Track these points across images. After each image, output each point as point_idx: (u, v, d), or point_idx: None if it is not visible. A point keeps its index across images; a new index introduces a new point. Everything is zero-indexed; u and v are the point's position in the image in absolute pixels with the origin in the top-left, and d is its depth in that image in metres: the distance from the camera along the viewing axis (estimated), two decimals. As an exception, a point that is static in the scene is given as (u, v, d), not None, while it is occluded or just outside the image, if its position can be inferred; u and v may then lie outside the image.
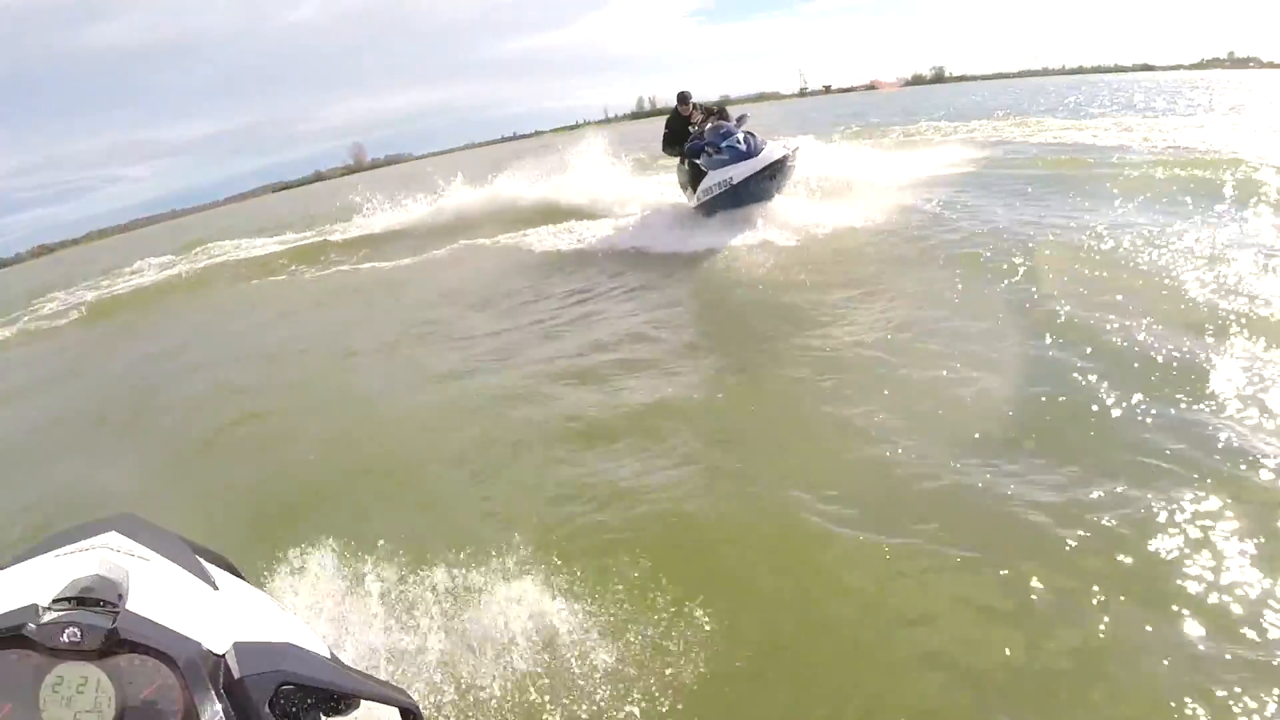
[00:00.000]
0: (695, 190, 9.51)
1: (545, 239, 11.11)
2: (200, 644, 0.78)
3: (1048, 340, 4.64)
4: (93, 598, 0.78)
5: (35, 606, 0.76)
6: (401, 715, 0.90)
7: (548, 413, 4.70)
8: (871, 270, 6.75)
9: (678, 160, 10.58)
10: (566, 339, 6.33)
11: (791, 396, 4.45)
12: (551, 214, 12.69)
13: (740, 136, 8.82)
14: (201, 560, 0.97)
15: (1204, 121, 16.13)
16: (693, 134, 9.42)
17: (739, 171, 8.58)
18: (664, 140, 10.08)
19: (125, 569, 0.84)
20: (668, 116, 10.05)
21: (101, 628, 0.75)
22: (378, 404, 5.49)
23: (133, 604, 0.78)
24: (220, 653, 0.79)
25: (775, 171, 8.54)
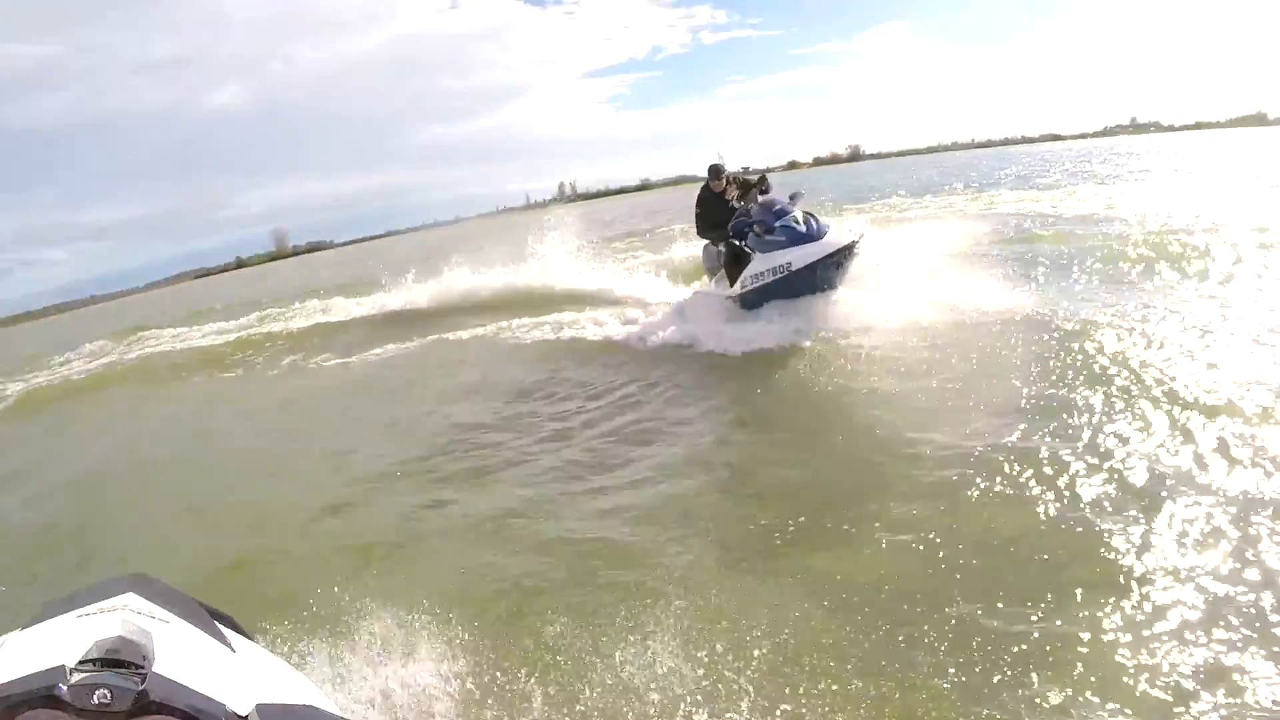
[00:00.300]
0: (734, 276, 8.03)
1: (533, 332, 9.40)
2: (225, 705, 0.78)
3: None
4: (119, 659, 0.78)
5: (64, 668, 0.76)
6: None
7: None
8: (969, 374, 5.31)
9: (707, 243, 9.17)
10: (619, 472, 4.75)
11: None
12: (539, 303, 11.00)
13: (798, 215, 7.43)
14: (216, 622, 0.97)
15: (1174, 185, 16.14)
16: (738, 211, 7.99)
17: (799, 256, 7.12)
18: (698, 221, 8.62)
19: (148, 630, 0.84)
20: (698, 194, 8.63)
21: (131, 689, 0.75)
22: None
23: (159, 666, 0.78)
24: (244, 715, 0.79)
25: (843, 259, 7.13)
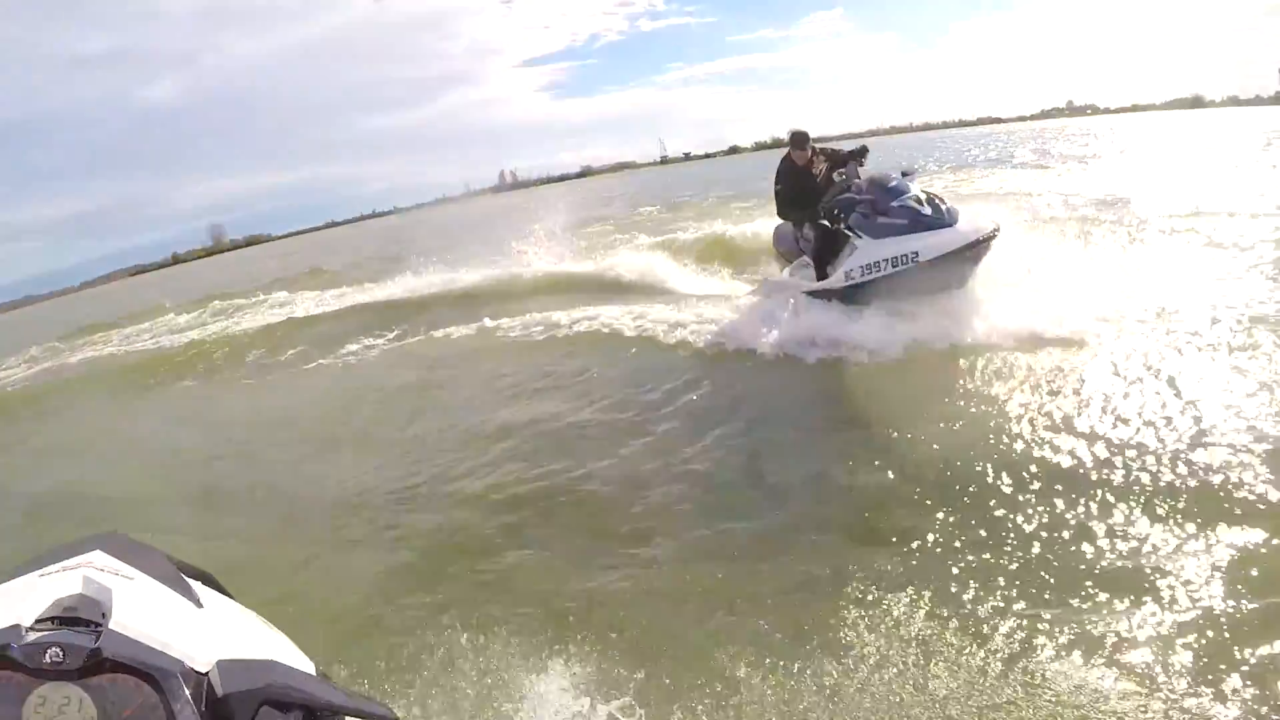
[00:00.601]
0: (825, 263, 6.89)
1: (577, 328, 7.96)
2: (183, 662, 0.77)
3: None
4: (77, 617, 0.77)
5: (19, 627, 0.75)
6: None
7: None
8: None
9: (779, 225, 7.97)
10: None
11: None
12: (561, 295, 9.58)
13: (919, 196, 6.28)
14: (186, 578, 0.94)
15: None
16: (836, 186, 6.81)
17: (930, 246, 5.94)
18: (779, 200, 7.39)
19: (109, 587, 0.82)
20: (778, 167, 7.41)
21: (84, 647, 0.73)
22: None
23: (116, 623, 0.77)
24: (204, 671, 0.78)
25: (982, 253, 6.03)
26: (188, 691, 0.75)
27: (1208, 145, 20.45)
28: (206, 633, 0.84)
